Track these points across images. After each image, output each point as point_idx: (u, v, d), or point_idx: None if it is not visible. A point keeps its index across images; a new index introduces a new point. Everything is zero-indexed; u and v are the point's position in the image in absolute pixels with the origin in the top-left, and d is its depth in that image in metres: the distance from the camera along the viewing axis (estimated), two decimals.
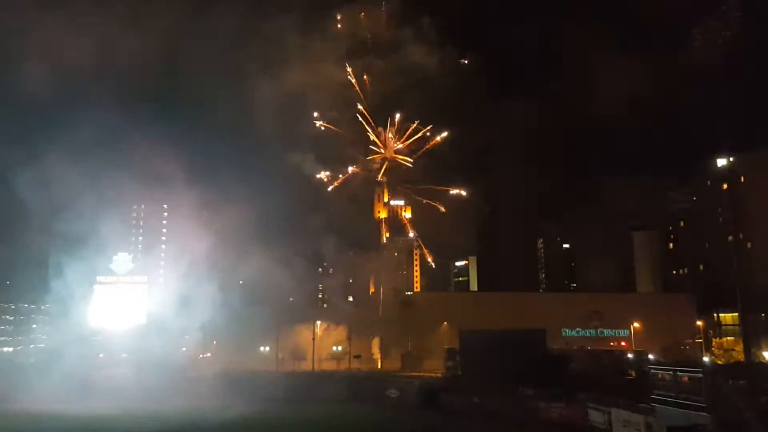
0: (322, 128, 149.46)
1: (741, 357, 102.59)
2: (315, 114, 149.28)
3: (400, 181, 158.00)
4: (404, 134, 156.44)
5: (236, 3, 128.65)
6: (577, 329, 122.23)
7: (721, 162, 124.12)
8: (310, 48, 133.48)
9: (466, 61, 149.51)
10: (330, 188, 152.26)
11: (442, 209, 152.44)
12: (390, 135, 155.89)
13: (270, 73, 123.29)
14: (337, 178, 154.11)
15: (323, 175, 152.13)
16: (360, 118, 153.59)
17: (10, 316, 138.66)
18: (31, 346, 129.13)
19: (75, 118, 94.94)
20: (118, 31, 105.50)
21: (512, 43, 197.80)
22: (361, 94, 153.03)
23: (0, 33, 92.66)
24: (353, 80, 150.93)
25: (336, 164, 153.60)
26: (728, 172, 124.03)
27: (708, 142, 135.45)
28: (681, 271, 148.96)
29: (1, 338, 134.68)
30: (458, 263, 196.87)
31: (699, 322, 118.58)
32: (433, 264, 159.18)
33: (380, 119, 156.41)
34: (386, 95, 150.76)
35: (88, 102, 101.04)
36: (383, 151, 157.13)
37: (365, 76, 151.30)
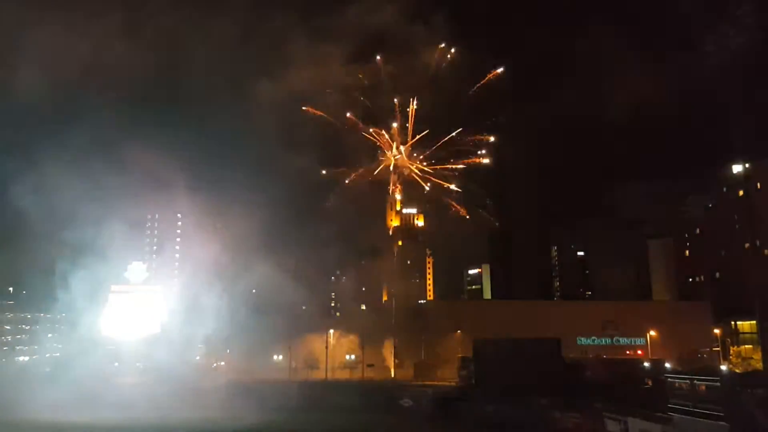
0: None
1: (759, 365, 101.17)
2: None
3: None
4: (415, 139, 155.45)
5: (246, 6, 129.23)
6: (593, 338, 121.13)
7: (737, 169, 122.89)
8: (322, 53, 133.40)
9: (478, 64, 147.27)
10: (348, 180, 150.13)
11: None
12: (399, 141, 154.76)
13: (284, 81, 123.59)
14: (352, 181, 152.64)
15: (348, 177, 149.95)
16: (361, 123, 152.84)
17: (26, 326, 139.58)
18: (47, 355, 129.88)
19: (91, 129, 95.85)
20: (131, 41, 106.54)
21: (524, 46, 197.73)
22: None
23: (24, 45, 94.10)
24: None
25: (349, 168, 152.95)
26: (744, 179, 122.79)
27: (724, 149, 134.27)
28: (697, 279, 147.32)
29: (17, 347, 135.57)
30: (471, 271, 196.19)
31: (716, 331, 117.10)
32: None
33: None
34: (396, 99, 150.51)
35: (104, 112, 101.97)
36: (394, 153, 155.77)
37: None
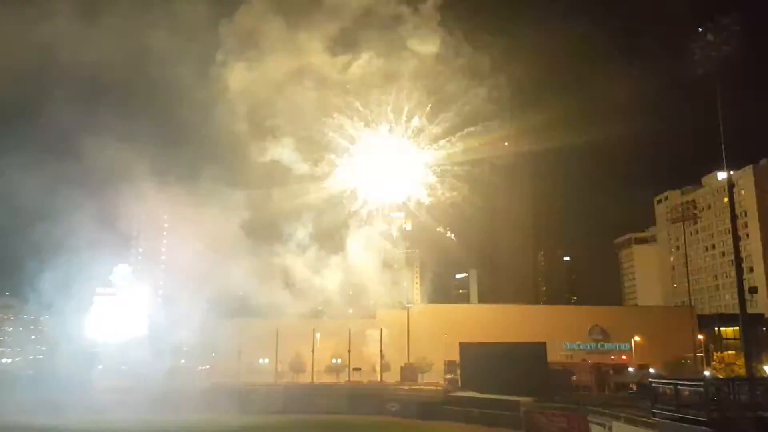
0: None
1: (742, 371, 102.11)
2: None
3: None
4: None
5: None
6: (578, 342, 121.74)
7: (722, 175, 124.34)
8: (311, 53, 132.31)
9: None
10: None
11: None
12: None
13: (273, 79, 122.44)
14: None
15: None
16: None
17: (9, 327, 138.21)
18: (30, 357, 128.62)
19: (75, 129, 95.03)
20: (103, 30, 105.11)
21: (513, 54, 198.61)
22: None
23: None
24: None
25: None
26: (729, 186, 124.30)
27: (709, 156, 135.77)
28: (682, 284, 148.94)
29: (0, 349, 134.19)
30: (458, 275, 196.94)
31: (700, 336, 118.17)
32: None
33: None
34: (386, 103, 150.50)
35: (87, 112, 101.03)
36: None
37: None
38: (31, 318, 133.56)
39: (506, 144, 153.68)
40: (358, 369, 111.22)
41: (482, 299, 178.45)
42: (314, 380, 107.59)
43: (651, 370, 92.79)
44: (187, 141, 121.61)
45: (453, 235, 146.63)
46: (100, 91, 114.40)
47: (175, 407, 74.21)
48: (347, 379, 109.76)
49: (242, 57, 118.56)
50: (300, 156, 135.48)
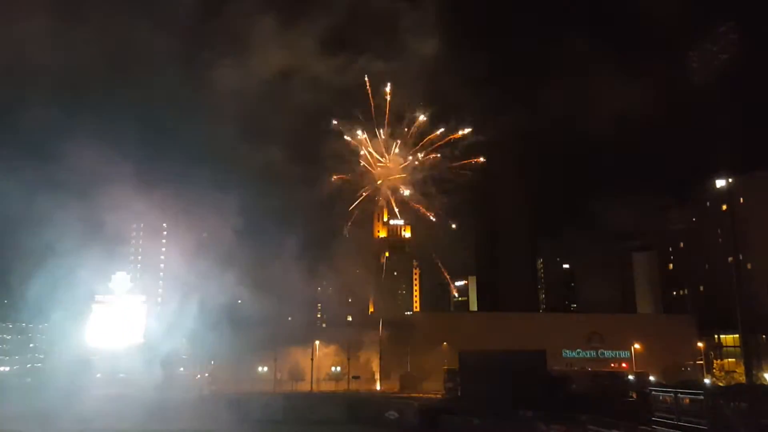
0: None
1: (742, 379, 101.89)
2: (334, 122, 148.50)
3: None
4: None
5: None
6: (578, 350, 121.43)
7: (721, 183, 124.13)
8: (314, 63, 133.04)
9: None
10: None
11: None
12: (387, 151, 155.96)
13: (275, 92, 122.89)
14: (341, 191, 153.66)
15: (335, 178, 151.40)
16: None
17: (8, 335, 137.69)
18: (28, 365, 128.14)
19: (75, 136, 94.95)
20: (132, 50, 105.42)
21: (513, 61, 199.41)
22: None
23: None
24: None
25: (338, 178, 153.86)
26: (727, 194, 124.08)
27: (707, 164, 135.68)
28: (681, 292, 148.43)
29: None
30: (458, 283, 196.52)
31: (700, 344, 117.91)
32: None
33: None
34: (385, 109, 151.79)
35: (87, 120, 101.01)
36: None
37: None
38: (29, 326, 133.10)
39: (504, 148, 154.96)
40: (357, 377, 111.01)
41: (482, 307, 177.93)
42: (313, 389, 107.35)
43: (651, 378, 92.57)
44: (198, 156, 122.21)
45: (452, 241, 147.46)
46: (116, 104, 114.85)
47: (172, 415, 73.79)
48: (346, 387, 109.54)
49: (239, 58, 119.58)
50: (299, 158, 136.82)
